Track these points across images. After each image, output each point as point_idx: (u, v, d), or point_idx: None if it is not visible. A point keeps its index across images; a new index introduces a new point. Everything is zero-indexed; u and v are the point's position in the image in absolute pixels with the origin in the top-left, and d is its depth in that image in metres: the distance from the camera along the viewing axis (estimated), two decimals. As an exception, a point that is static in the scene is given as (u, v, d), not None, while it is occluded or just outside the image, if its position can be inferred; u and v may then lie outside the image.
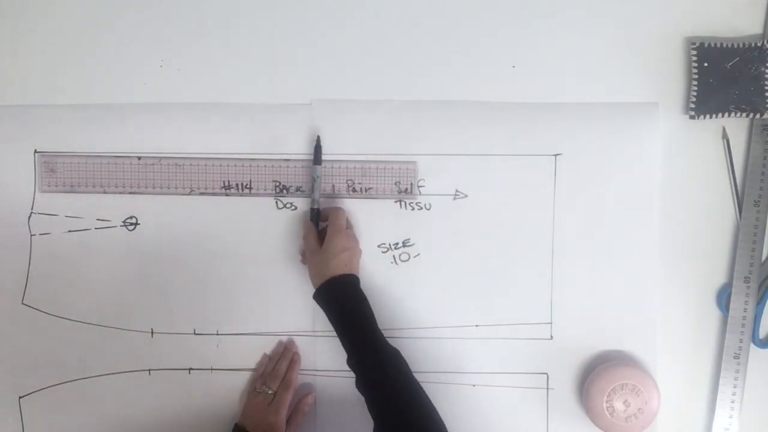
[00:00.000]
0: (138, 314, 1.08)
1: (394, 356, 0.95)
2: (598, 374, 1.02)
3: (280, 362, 1.05)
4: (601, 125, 1.06)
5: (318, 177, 1.05)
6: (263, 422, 1.01)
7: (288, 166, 1.07)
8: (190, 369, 1.08)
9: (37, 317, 1.08)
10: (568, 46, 1.06)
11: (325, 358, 1.06)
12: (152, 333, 1.08)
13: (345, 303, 0.99)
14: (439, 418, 0.91)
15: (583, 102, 1.06)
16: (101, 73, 1.08)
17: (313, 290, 1.01)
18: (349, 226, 1.05)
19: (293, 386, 1.04)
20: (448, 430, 0.90)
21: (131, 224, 1.08)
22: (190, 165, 1.07)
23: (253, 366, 1.07)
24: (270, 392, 1.03)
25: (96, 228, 1.08)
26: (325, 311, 1.00)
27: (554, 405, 1.06)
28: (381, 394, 0.93)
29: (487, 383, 1.06)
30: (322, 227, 1.05)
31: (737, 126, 1.06)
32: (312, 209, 1.05)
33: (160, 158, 1.07)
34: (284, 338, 1.07)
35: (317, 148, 1.05)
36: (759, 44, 1.03)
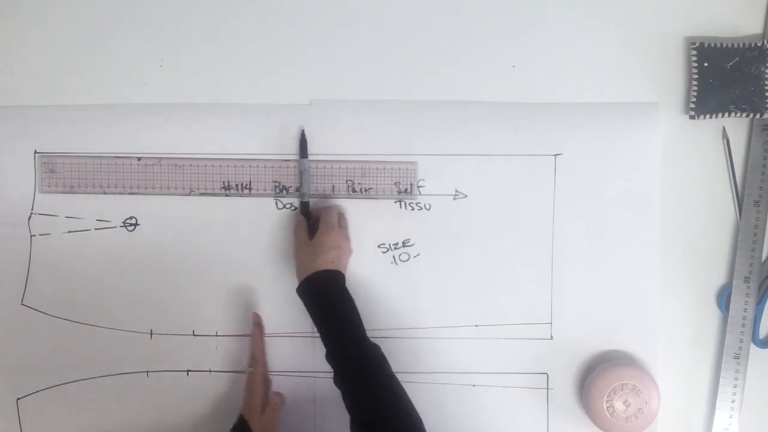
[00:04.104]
0: (137, 315, 1.08)
1: (373, 351, 0.94)
2: (598, 374, 1.02)
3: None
4: (601, 125, 1.06)
5: (306, 170, 1.05)
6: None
7: (288, 167, 1.07)
8: (188, 371, 1.08)
9: (37, 318, 1.08)
10: (568, 46, 1.06)
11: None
12: (151, 334, 1.08)
13: (327, 297, 0.98)
14: (416, 413, 0.90)
15: (583, 102, 1.06)
16: (101, 73, 1.08)
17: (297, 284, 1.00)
18: (343, 224, 1.05)
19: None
20: (425, 426, 0.89)
21: (131, 225, 1.08)
22: (190, 165, 1.07)
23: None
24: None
25: (96, 228, 1.08)
26: (306, 305, 0.99)
27: (554, 405, 1.06)
28: (357, 388, 0.92)
29: (487, 383, 1.06)
30: (313, 222, 1.04)
31: (737, 126, 1.06)
32: (302, 202, 1.05)
33: (160, 159, 1.07)
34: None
35: (302, 142, 1.05)
36: (759, 44, 1.03)
